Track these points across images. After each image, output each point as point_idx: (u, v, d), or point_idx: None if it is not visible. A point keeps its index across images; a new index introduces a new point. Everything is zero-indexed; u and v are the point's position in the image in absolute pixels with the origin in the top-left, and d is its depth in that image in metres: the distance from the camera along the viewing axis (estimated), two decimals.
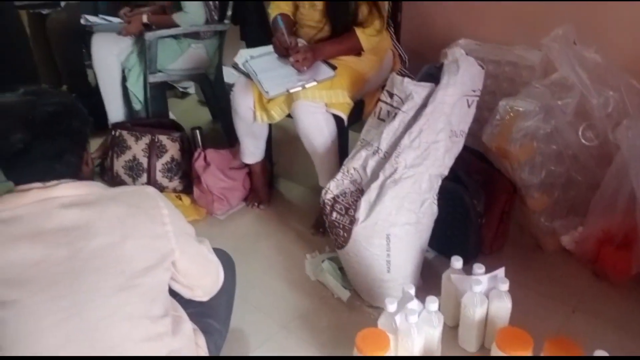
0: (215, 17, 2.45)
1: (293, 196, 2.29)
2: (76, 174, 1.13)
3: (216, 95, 2.61)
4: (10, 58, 2.49)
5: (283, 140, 2.41)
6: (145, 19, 2.38)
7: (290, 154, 2.47)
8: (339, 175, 1.65)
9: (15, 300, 0.99)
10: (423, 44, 2.18)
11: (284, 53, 1.87)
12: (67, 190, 1.09)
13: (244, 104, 1.89)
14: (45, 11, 2.96)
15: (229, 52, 2.58)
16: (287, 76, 1.79)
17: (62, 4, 3.00)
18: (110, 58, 2.43)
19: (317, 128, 1.79)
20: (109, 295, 1.03)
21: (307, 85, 1.71)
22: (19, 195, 1.07)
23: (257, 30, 2.56)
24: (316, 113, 1.77)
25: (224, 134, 2.65)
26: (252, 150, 2.10)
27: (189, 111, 3.15)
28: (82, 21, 2.50)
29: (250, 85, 1.87)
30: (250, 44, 2.61)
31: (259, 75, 1.80)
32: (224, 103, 2.60)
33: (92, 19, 2.50)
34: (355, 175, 1.63)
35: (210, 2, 2.41)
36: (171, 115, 2.80)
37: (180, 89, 3.35)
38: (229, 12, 2.44)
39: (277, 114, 1.85)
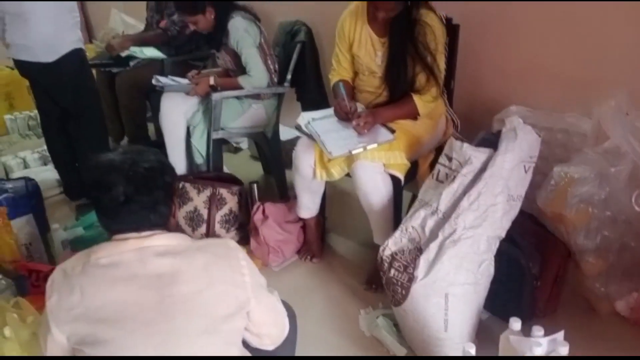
0: (275, 80, 2.63)
1: (344, 251, 2.36)
2: (165, 224, 1.25)
3: (272, 152, 2.74)
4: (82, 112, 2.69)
5: (334, 196, 2.50)
6: (212, 81, 2.56)
7: (341, 209, 2.57)
8: (397, 233, 1.72)
9: (112, 337, 1.09)
10: (474, 110, 2.28)
11: (344, 117, 2.00)
12: (160, 240, 1.20)
13: (305, 162, 2.01)
14: (115, 70, 3.21)
15: (286, 112, 2.76)
16: (348, 138, 1.90)
17: (131, 63, 3.25)
18: (178, 116, 2.62)
19: (375, 187, 1.88)
20: (194, 337, 1.12)
21: (368, 147, 1.82)
22: (118, 244, 1.19)
23: (313, 93, 2.71)
24: (375, 173, 1.86)
25: (276, 188, 2.78)
26: (309, 205, 2.20)
27: (242, 165, 3.29)
28: (154, 81, 2.71)
29: (311, 145, 1.99)
30: (306, 105, 2.79)
31: (322, 137, 1.92)
32: (279, 159, 2.76)
33: (162, 79, 2.70)
34: (414, 234, 1.70)
35: (271, 66, 2.59)
36: (225, 169, 2.95)
37: (234, 144, 3.51)
38: (289, 76, 2.61)
39: (337, 173, 1.95)
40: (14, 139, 3.81)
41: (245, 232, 2.41)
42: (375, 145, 1.82)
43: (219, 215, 2.39)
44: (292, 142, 3.09)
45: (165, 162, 1.30)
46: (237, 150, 3.54)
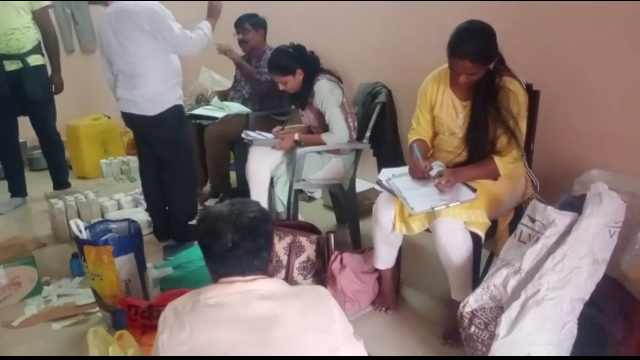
0: (354, 137, 2.77)
1: (419, 304, 2.39)
2: (266, 269, 1.37)
3: (348, 203, 2.86)
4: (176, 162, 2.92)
5: (409, 249, 2.56)
6: (296, 137, 2.75)
7: (416, 262, 2.63)
8: (479, 291, 1.77)
9: None
10: (554, 171, 2.31)
11: (418, 176, 2.09)
12: (263, 284, 1.32)
13: (385, 215, 2.10)
14: (205, 122, 3.48)
15: (362, 166, 2.89)
16: (429, 195, 1.98)
17: (220, 116, 3.51)
18: (263, 167, 2.80)
19: (456, 244, 1.94)
20: None
21: (450, 205, 1.90)
22: (225, 286, 1.31)
23: (389, 150, 2.84)
24: (456, 230, 1.93)
25: (350, 238, 2.87)
26: (385, 257, 2.27)
27: (316, 214, 3.41)
28: (243, 135, 2.93)
29: (392, 200, 2.09)
30: (382, 161, 2.91)
31: (403, 193, 2.01)
32: (354, 210, 2.87)
33: (251, 134, 2.91)
34: (495, 292, 1.74)
35: (351, 124, 2.75)
36: (300, 217, 3.08)
37: (308, 194, 3.67)
38: (368, 134, 2.75)
39: (417, 227, 2.03)
40: (108, 182, 4.15)
41: (321, 279, 2.50)
42: (457, 203, 1.90)
43: (297, 262, 2.50)
44: (366, 194, 3.23)
45: (266, 212, 1.44)
46: (310, 199, 3.68)
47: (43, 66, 3.51)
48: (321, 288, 1.41)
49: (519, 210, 2.14)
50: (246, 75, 3.56)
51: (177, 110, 2.78)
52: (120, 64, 2.69)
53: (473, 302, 1.76)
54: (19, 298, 2.47)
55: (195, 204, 3.15)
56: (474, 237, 1.98)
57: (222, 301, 1.28)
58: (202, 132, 3.47)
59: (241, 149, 3.50)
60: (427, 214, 1.98)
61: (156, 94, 2.69)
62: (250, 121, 3.41)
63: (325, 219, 3.26)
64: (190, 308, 1.28)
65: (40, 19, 3.46)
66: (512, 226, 2.03)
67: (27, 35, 3.38)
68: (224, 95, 3.80)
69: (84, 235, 2.18)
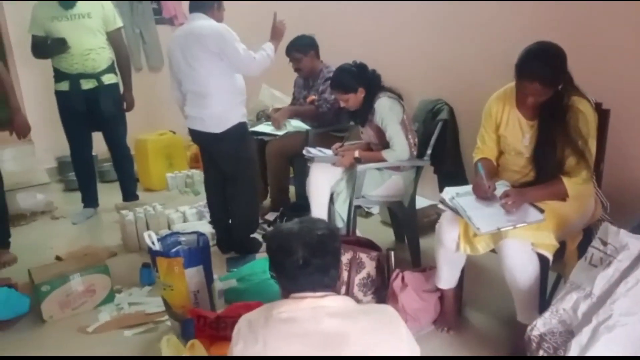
0: (414, 153, 2.79)
1: (481, 325, 2.36)
2: (335, 286, 1.41)
3: (408, 220, 2.87)
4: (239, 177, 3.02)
5: (472, 269, 2.54)
6: (356, 154, 2.79)
7: (479, 283, 2.60)
8: (547, 314, 1.74)
9: None
10: (624, 192, 2.25)
11: (482, 196, 2.08)
12: (332, 301, 1.36)
13: (449, 235, 2.10)
14: (266, 139, 3.58)
15: (422, 183, 2.89)
16: (495, 215, 1.97)
17: (280, 133, 3.60)
18: (324, 184, 2.86)
19: (522, 266, 1.92)
20: None
21: (517, 226, 1.88)
22: (296, 302, 1.36)
23: (451, 167, 2.83)
24: (523, 252, 1.91)
25: (409, 255, 2.87)
26: (448, 277, 2.26)
27: (373, 230, 3.41)
28: (304, 152, 3.00)
29: (456, 219, 2.09)
30: (442, 178, 2.91)
31: (468, 212, 2.01)
32: (414, 228, 2.88)
33: (312, 150, 2.98)
34: (565, 316, 1.71)
35: (412, 141, 2.76)
36: (358, 232, 3.11)
37: (366, 209, 3.69)
38: (429, 151, 2.75)
39: (482, 248, 2.02)
40: (173, 195, 4.33)
41: (380, 296, 2.51)
42: (524, 224, 1.88)
43: (357, 279, 2.52)
44: (425, 211, 3.22)
45: (334, 230, 1.48)
46: (368, 215, 3.70)
47: (116, 84, 3.72)
48: (389, 307, 1.44)
49: (588, 232, 2.10)
50: (308, 116, 3.61)
51: (241, 127, 2.88)
52: (189, 84, 2.83)
53: (541, 325, 1.73)
54: (93, 305, 2.61)
55: (257, 217, 3.24)
56: (542, 258, 1.95)
57: (293, 316, 1.33)
58: (263, 148, 3.57)
59: (301, 165, 3.58)
60: (493, 234, 1.97)
61: (222, 112, 2.80)
62: (310, 138, 3.48)
63: (383, 236, 3.26)
64: (264, 322, 1.33)
65: (114, 40, 3.67)
66: (581, 248, 1.99)
67: (102, 56, 3.60)
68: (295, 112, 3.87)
69: (157, 246, 2.29)
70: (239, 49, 2.72)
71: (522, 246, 1.91)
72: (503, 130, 2.17)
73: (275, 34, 2.94)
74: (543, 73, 1.90)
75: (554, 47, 1.94)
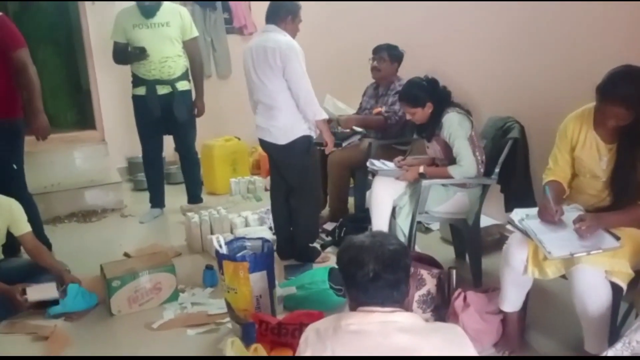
0: (482, 171, 2.74)
1: (545, 351, 2.28)
2: (403, 302, 1.42)
3: (471, 239, 2.82)
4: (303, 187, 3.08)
5: (537, 292, 2.46)
6: (421, 169, 2.77)
7: (544, 307, 2.52)
8: (619, 345, 1.66)
9: None
10: None
11: (548, 220, 2.02)
12: (402, 317, 1.36)
13: (518, 257, 2.05)
14: (331, 149, 3.61)
15: (486, 201, 2.83)
16: (568, 239, 1.91)
17: (343, 144, 3.63)
18: (386, 197, 2.85)
19: (595, 293, 1.85)
20: None
21: (592, 253, 1.82)
22: (365, 315, 1.37)
23: (519, 187, 2.76)
24: (596, 279, 1.84)
25: (471, 275, 2.82)
26: (513, 300, 2.20)
27: (432, 246, 3.37)
28: (368, 164, 3.01)
29: (525, 241, 2.04)
30: (509, 198, 2.84)
31: (539, 235, 1.96)
32: (478, 247, 2.83)
33: (377, 163, 2.98)
34: (638, 349, 1.63)
35: (479, 158, 2.72)
36: (417, 248, 3.08)
37: (425, 225, 3.65)
38: (497, 169, 2.70)
39: (552, 272, 1.96)
40: (236, 200, 4.44)
41: (439, 315, 2.48)
42: (599, 251, 1.82)
43: (417, 295, 2.50)
44: (488, 230, 3.16)
45: (405, 246, 1.49)
46: (427, 230, 3.66)
47: (189, 91, 3.88)
48: (458, 327, 1.44)
49: None
50: (376, 127, 3.63)
51: (306, 139, 2.94)
52: (259, 96, 2.92)
53: (613, 356, 1.66)
54: (158, 302, 2.72)
55: (317, 228, 3.28)
56: (614, 287, 1.87)
57: (362, 329, 1.34)
58: (325, 158, 3.61)
59: (361, 176, 3.61)
60: (564, 259, 1.91)
61: (288, 125, 2.88)
62: (372, 149, 3.49)
63: (443, 253, 3.21)
64: (332, 332, 1.36)
65: (189, 49, 3.83)
66: None
67: (177, 63, 3.76)
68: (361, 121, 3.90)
69: (224, 250, 2.36)
70: (299, 69, 2.77)
71: (595, 273, 1.84)
72: (579, 152, 2.10)
73: (324, 129, 3.00)
74: (629, 98, 1.84)
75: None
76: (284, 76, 2.80)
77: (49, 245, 3.26)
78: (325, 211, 3.75)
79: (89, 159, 4.70)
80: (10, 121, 3.08)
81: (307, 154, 2.97)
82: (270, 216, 3.58)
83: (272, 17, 2.89)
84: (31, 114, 3.11)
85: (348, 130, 3.69)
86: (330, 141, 3.01)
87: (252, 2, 5.46)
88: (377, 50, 3.61)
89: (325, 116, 2.93)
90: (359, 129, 3.70)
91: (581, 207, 2.07)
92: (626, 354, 1.66)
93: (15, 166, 3.12)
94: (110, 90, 4.96)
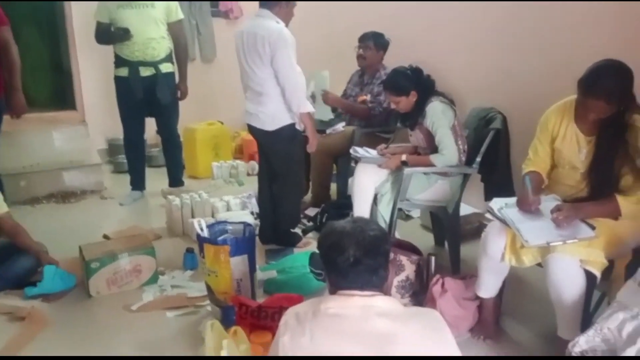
0: (463, 160, 2.77)
1: (518, 337, 2.33)
2: (382, 287, 1.43)
3: (451, 226, 2.86)
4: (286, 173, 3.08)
5: (512, 280, 2.51)
6: (404, 157, 2.79)
7: (519, 294, 2.57)
8: (591, 332, 1.71)
9: None
10: None
11: (525, 209, 2.05)
12: (381, 302, 1.38)
13: (495, 245, 2.09)
14: None
15: (466, 190, 2.87)
16: (545, 229, 1.95)
17: (327, 131, 3.64)
18: (369, 184, 2.88)
19: (569, 282, 1.89)
20: None
21: (568, 242, 1.86)
22: (345, 299, 1.39)
23: (499, 177, 2.80)
24: (571, 267, 1.88)
25: (449, 262, 2.87)
26: (489, 286, 2.25)
27: (413, 233, 3.39)
28: (351, 151, 3.03)
29: (504, 229, 2.07)
30: (489, 187, 2.89)
31: (517, 224, 1.99)
32: (457, 234, 2.87)
33: (360, 151, 3.00)
34: (609, 335, 1.68)
35: (461, 147, 2.75)
36: (397, 235, 3.11)
37: (406, 212, 3.68)
38: (478, 159, 2.73)
39: (528, 260, 2.00)
40: (218, 184, 4.43)
41: (418, 300, 2.52)
42: (575, 240, 1.86)
43: (396, 280, 2.53)
44: (467, 218, 3.20)
45: (385, 232, 1.50)
46: (408, 217, 3.70)
47: (172, 74, 3.83)
48: (436, 312, 1.47)
49: (638, 253, 2.05)
50: (359, 115, 3.65)
51: (293, 127, 2.92)
52: (248, 82, 2.90)
53: (584, 342, 1.70)
54: (138, 284, 2.71)
55: (299, 213, 3.29)
56: (589, 276, 1.92)
57: (342, 312, 1.35)
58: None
59: (344, 163, 3.62)
60: (541, 247, 1.95)
61: (276, 111, 2.86)
62: (356, 137, 3.50)
63: (423, 239, 3.25)
64: (312, 316, 1.37)
65: (174, 31, 3.78)
66: (630, 268, 1.95)
67: (161, 45, 3.71)
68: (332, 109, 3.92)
69: (205, 233, 2.36)
70: (287, 59, 2.74)
71: (570, 262, 1.88)
72: (559, 143, 2.14)
73: (309, 127, 2.94)
74: (611, 92, 1.87)
75: (623, 66, 1.90)
76: (272, 65, 2.77)
77: None
78: (308, 197, 3.77)
79: (69, 139, 4.61)
80: None
81: (293, 142, 2.96)
82: (253, 201, 3.61)
83: (266, 2, 2.84)
84: (9, 91, 3.13)
85: (332, 116, 3.70)
86: (313, 138, 2.95)
87: None
88: (364, 38, 3.62)
89: (310, 109, 2.89)
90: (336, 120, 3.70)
91: (559, 198, 2.11)
92: (597, 340, 1.71)
93: None
94: (91, 71, 4.88)
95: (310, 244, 3.15)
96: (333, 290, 1.43)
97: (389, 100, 2.89)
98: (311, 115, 2.93)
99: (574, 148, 2.09)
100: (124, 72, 3.72)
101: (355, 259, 1.37)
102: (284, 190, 3.04)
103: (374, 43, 3.58)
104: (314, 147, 2.98)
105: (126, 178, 4.18)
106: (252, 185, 4.19)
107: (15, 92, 3.18)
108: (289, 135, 2.92)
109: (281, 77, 2.78)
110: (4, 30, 3.09)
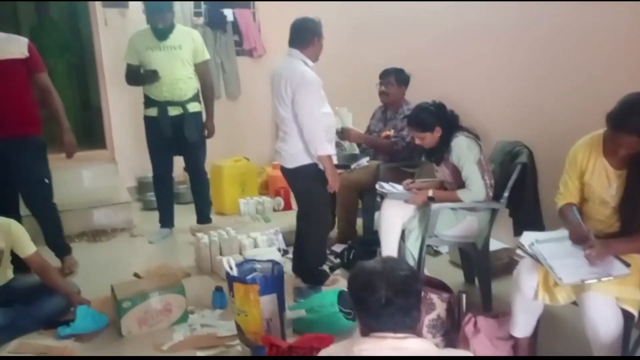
0: (491, 195, 2.76)
1: None
2: (415, 328, 1.42)
3: (480, 263, 2.83)
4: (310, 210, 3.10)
5: (548, 318, 2.45)
6: (430, 193, 2.79)
7: (554, 332, 2.51)
8: None
9: None
10: None
11: (579, 240, 2.02)
12: (414, 344, 1.37)
13: (528, 282, 2.06)
14: (338, 171, 3.63)
15: (496, 225, 2.84)
16: (578, 266, 1.92)
17: (352, 166, 3.66)
18: (396, 220, 2.86)
19: (605, 320, 1.85)
20: None
21: (602, 279, 1.82)
22: (378, 341, 1.38)
23: (528, 212, 2.77)
24: (606, 306, 1.84)
25: (480, 299, 2.82)
26: (523, 326, 2.20)
27: (441, 270, 3.36)
28: (377, 186, 3.03)
29: (536, 266, 2.04)
30: (518, 222, 2.85)
31: (549, 260, 1.96)
32: (487, 271, 2.83)
33: (386, 186, 3.00)
34: None
35: (488, 182, 2.74)
36: (426, 272, 3.08)
37: (434, 248, 3.65)
38: (506, 194, 2.71)
39: (563, 299, 1.97)
40: (245, 220, 4.46)
41: (449, 339, 2.47)
42: (610, 278, 1.82)
43: (427, 319, 2.49)
44: (497, 254, 3.16)
45: (416, 271, 1.50)
46: (436, 253, 3.66)
47: (200, 113, 3.93)
48: (469, 354, 1.44)
49: None
50: (382, 150, 3.68)
51: (313, 167, 2.92)
52: (277, 120, 2.99)
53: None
54: (168, 323, 2.72)
55: (324, 251, 3.27)
56: (626, 314, 1.87)
57: (375, 355, 1.35)
58: None
59: (370, 198, 3.62)
60: (575, 285, 1.91)
61: (297, 150, 2.90)
62: (380, 172, 3.51)
63: (452, 276, 3.21)
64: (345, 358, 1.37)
65: (200, 71, 3.89)
66: None
67: (189, 85, 3.82)
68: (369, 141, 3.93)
69: (235, 272, 2.38)
70: (307, 102, 2.78)
71: (606, 300, 1.84)
72: (588, 178, 2.12)
73: (331, 174, 2.91)
74: None
75: None
76: (292, 106, 2.83)
77: (69, 250, 3.53)
78: (334, 233, 3.76)
79: (99, 178, 4.73)
80: (38, 138, 3.31)
81: (314, 181, 2.95)
82: (279, 237, 3.66)
83: (296, 41, 2.89)
84: (60, 133, 3.37)
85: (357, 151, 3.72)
86: (333, 181, 2.92)
87: (261, 25, 5.54)
88: (385, 75, 3.66)
89: (328, 152, 2.87)
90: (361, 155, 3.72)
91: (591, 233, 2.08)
92: None
93: (46, 180, 3.37)
94: (121, 110, 5.04)
95: (338, 282, 3.13)
96: (365, 332, 1.42)
97: (411, 135, 2.90)
98: (330, 157, 2.91)
99: (604, 182, 2.07)
100: (153, 112, 3.82)
101: (387, 299, 1.37)
102: (308, 228, 3.06)
103: (395, 79, 3.63)
104: (333, 188, 2.97)
105: (155, 215, 4.24)
106: (278, 221, 4.26)
107: (66, 133, 3.39)
108: (310, 174, 2.94)
109: (300, 119, 2.82)
110: (43, 77, 3.27)
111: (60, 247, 3.52)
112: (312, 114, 2.80)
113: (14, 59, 3.12)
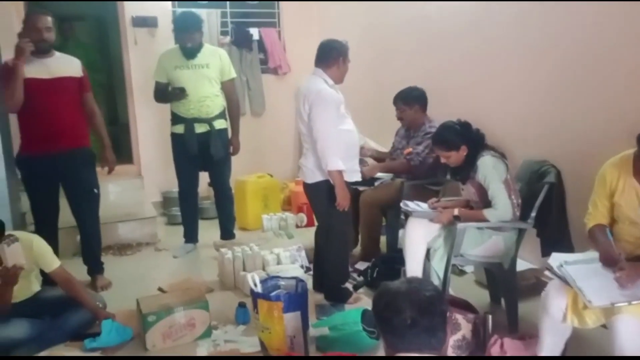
0: (517, 214, 2.73)
1: None
2: (441, 349, 1.41)
3: (506, 284, 2.79)
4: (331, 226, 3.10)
5: (575, 341, 2.40)
6: (456, 212, 2.77)
7: (582, 354, 2.45)
8: None
9: None
10: None
11: (611, 263, 1.99)
12: None
13: (556, 304, 2.02)
14: (361, 188, 3.65)
15: (522, 245, 2.80)
16: (608, 288, 1.88)
17: (375, 183, 3.66)
18: (420, 239, 2.85)
19: (636, 344, 1.80)
20: None
21: (633, 302, 1.78)
22: None
23: (555, 232, 2.73)
24: (638, 330, 1.80)
25: (506, 320, 2.77)
26: (551, 348, 2.16)
27: (466, 289, 3.30)
28: (402, 205, 3.03)
29: (564, 288, 2.01)
30: (546, 242, 2.81)
31: (579, 283, 1.93)
32: (513, 292, 2.78)
33: (410, 204, 3.00)
34: None
35: (515, 201, 2.71)
36: (450, 291, 3.04)
37: (459, 267, 3.61)
38: (533, 214, 2.68)
39: (592, 322, 1.93)
40: (268, 236, 4.49)
41: None
42: None
43: (452, 340, 2.46)
44: (524, 274, 3.11)
45: (440, 292, 1.49)
46: (461, 273, 3.61)
47: (226, 130, 3.99)
48: None
49: None
50: (400, 171, 3.68)
51: (329, 184, 2.92)
52: (300, 135, 3.02)
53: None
54: (192, 338, 2.74)
55: (346, 268, 3.25)
56: None
57: None
58: (357, 197, 3.63)
59: (393, 216, 3.61)
60: (604, 308, 1.88)
61: (315, 166, 2.94)
62: (404, 190, 3.50)
63: (478, 296, 3.15)
64: None
65: (227, 89, 3.96)
66: None
67: (215, 102, 3.89)
68: (380, 161, 3.95)
69: (259, 289, 2.39)
70: (321, 118, 2.81)
71: (637, 324, 1.80)
72: (618, 198, 2.09)
73: (341, 194, 2.91)
74: None
75: None
76: (308, 122, 2.87)
77: (102, 269, 3.61)
78: (357, 250, 3.76)
79: (125, 192, 4.81)
80: (89, 148, 3.51)
81: (330, 198, 2.95)
82: (302, 254, 3.66)
83: (321, 60, 2.95)
84: (101, 149, 3.61)
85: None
86: (342, 197, 2.89)
87: (286, 44, 5.62)
88: (394, 101, 3.68)
89: (338, 167, 2.85)
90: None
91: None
92: None
93: (96, 190, 3.53)
94: (148, 126, 5.14)
95: (361, 300, 3.12)
96: (390, 352, 1.42)
97: (427, 150, 2.89)
98: (340, 173, 2.89)
99: (634, 203, 2.04)
100: (180, 129, 3.89)
101: (412, 320, 1.37)
102: (328, 244, 3.06)
103: (403, 103, 3.63)
104: (342, 206, 2.93)
105: (179, 230, 4.28)
106: (301, 238, 4.27)
107: (107, 149, 3.59)
108: (326, 191, 2.95)
109: (314, 134, 2.86)
110: (90, 96, 3.49)
111: (96, 263, 3.59)
112: (325, 130, 2.83)
113: (72, 77, 3.33)
